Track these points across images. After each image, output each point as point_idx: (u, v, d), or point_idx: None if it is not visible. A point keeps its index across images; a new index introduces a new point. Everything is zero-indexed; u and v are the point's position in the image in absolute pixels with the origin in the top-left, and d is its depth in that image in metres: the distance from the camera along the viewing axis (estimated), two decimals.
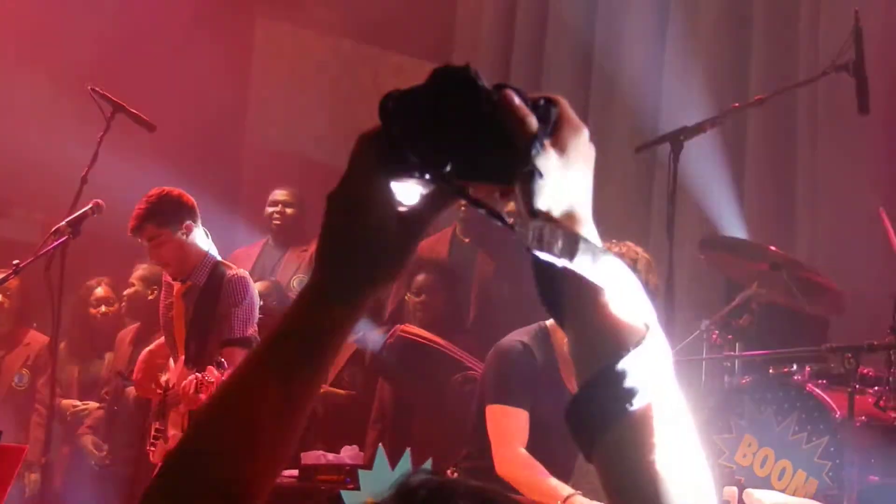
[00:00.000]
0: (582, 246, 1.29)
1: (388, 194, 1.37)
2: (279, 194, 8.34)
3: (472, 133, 1.29)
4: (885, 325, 5.73)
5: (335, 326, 1.40)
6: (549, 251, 1.28)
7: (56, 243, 6.11)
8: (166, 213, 5.93)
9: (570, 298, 1.35)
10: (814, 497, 5.25)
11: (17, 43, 8.88)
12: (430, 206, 1.40)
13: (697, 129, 6.10)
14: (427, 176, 1.34)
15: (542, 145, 1.30)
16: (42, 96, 8.50)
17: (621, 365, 1.30)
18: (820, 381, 5.85)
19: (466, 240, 7.68)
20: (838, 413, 5.56)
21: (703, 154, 7.52)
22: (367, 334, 6.86)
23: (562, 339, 4.95)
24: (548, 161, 1.31)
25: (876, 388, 5.82)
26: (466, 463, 5.17)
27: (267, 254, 8.34)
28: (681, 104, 7.84)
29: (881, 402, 5.74)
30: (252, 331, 5.90)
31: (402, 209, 1.38)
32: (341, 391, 7.30)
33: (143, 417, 7.20)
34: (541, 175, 1.30)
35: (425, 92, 1.31)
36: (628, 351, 1.30)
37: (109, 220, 6.20)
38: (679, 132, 6.06)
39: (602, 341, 1.33)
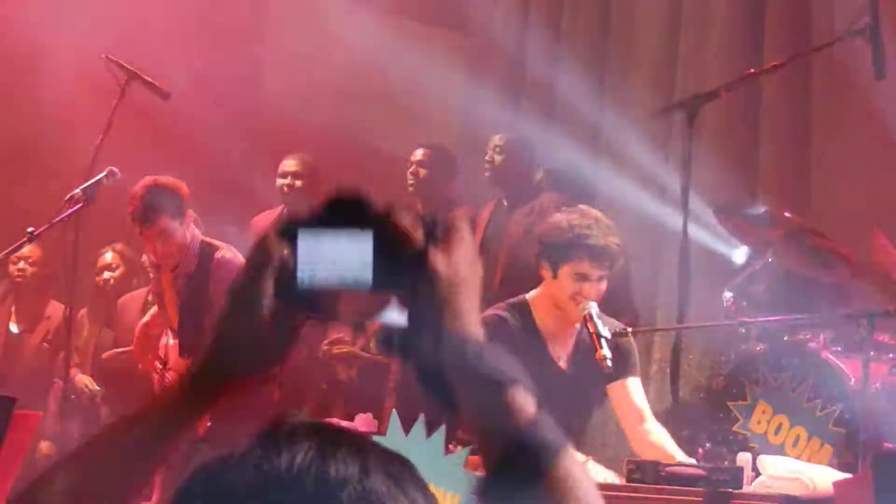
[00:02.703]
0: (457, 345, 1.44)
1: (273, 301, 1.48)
2: (288, 165, 8.10)
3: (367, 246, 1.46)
4: None
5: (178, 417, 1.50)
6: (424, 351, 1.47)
7: (71, 210, 6.05)
8: (179, 205, 5.68)
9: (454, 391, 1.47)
10: (828, 464, 5.24)
11: (33, 13, 8.87)
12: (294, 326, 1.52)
13: (712, 95, 6.08)
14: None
15: (427, 258, 1.46)
16: (58, 64, 8.48)
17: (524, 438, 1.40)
18: (835, 348, 5.84)
19: (506, 203, 7.70)
20: (853, 380, 5.55)
21: (718, 120, 7.50)
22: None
23: (544, 312, 4.93)
24: (434, 268, 1.46)
25: (891, 354, 5.80)
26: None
27: None
28: (696, 70, 7.81)
29: None
30: None
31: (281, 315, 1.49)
32: (365, 354, 7.32)
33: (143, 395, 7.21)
34: (426, 281, 1.45)
35: (321, 215, 1.47)
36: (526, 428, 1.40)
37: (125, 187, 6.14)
38: (694, 98, 6.04)
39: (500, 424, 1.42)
